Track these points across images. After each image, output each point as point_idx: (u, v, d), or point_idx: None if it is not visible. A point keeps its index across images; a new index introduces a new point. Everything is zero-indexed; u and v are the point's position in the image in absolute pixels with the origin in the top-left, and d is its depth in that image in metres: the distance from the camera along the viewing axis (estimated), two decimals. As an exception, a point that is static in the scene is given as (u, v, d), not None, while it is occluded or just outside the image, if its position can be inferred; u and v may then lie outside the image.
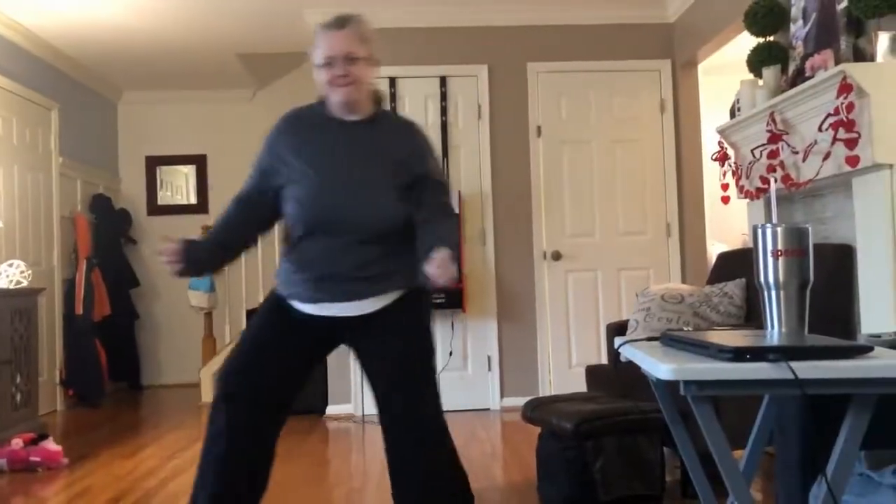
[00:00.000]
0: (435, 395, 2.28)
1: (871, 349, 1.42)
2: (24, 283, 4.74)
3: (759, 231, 1.64)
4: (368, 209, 2.21)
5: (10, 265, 4.70)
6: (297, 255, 2.26)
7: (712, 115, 5.64)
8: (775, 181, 3.22)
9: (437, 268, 2.04)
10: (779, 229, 1.62)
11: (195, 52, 6.27)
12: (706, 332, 1.65)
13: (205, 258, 2.32)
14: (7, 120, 5.43)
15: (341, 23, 2.21)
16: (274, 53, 6.42)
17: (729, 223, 6.03)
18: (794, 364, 1.33)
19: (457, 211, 5.24)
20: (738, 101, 3.91)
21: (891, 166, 2.87)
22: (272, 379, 2.23)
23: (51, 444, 4.06)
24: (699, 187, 5.49)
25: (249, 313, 5.64)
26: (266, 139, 2.33)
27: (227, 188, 7.47)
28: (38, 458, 3.97)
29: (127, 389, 7.02)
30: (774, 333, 1.62)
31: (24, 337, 4.65)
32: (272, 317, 2.30)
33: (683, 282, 5.39)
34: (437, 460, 2.29)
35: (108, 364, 6.45)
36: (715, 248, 5.79)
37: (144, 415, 5.80)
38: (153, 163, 7.45)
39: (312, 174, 2.21)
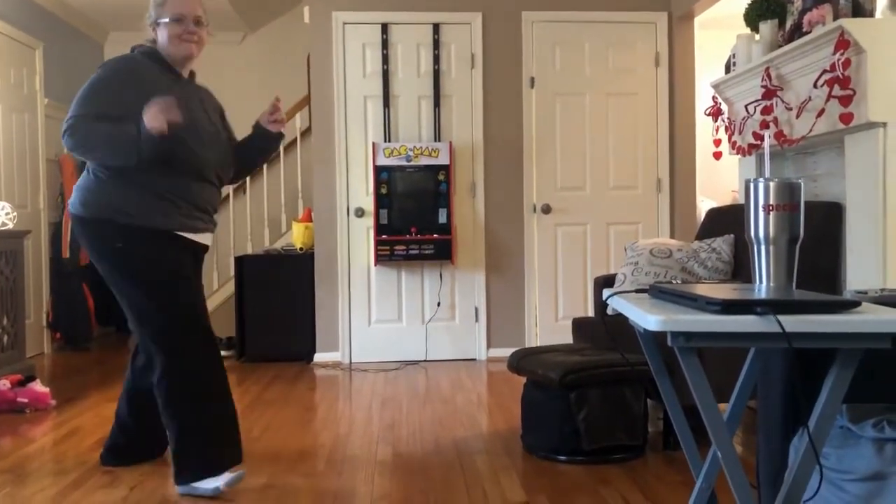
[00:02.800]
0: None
1: (858, 304, 1.42)
2: (10, 226, 4.70)
3: (752, 185, 1.64)
4: (228, 153, 2.84)
5: (-4, 207, 4.65)
6: (177, 191, 2.68)
7: (707, 70, 5.61)
8: (769, 137, 3.21)
9: (280, 120, 2.93)
10: (771, 184, 1.61)
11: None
12: (694, 285, 1.65)
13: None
14: (-10, 58, 5.33)
15: None
16: (264, -4, 6.31)
17: (719, 179, 6.03)
18: (781, 317, 1.34)
19: (447, 161, 5.21)
20: (733, 55, 3.87)
21: (884, 125, 2.86)
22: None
23: (38, 386, 4.07)
24: (691, 143, 5.48)
25: (238, 260, 5.62)
26: (113, 78, 2.65)
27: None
28: (25, 400, 3.98)
29: (115, 333, 7.03)
30: (763, 287, 1.63)
31: (11, 279, 4.63)
32: (180, 259, 2.79)
33: (672, 237, 5.41)
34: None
35: (95, 308, 6.44)
36: (704, 205, 5.80)
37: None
38: (141, 106, 7.34)
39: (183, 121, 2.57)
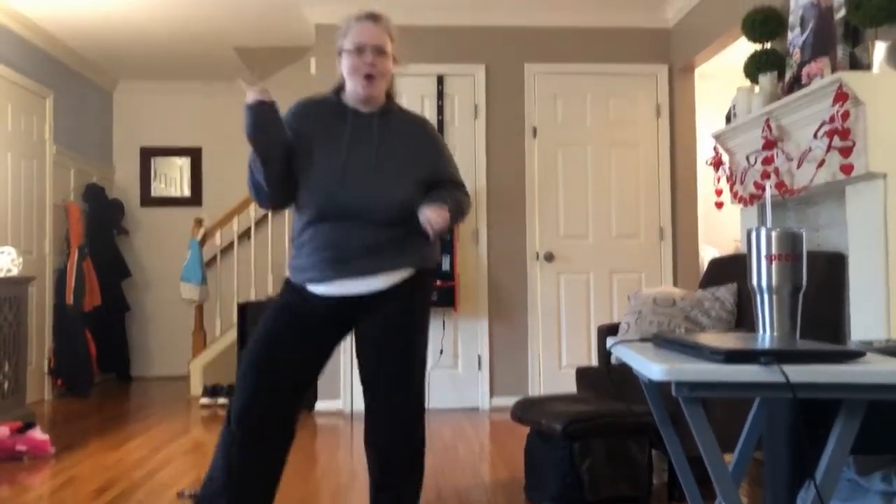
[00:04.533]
0: (424, 370, 2.39)
1: (862, 354, 1.42)
2: (15, 272, 4.71)
3: (754, 234, 1.65)
4: (385, 197, 2.27)
5: (2, 252, 4.67)
6: (308, 240, 2.31)
7: (708, 120, 5.68)
8: (770, 187, 3.23)
9: (431, 212, 2.20)
10: (773, 233, 1.62)
11: (193, 44, 6.26)
12: (698, 334, 1.65)
13: (277, 127, 2.29)
14: (2, 107, 5.41)
15: (374, 17, 2.32)
16: (272, 48, 6.41)
17: (721, 228, 6.06)
18: (785, 367, 1.34)
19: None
20: (734, 106, 3.92)
21: (884, 175, 2.88)
22: (293, 363, 2.29)
23: (38, 433, 4.04)
24: (693, 192, 5.51)
25: (241, 307, 5.62)
26: (286, 115, 2.37)
27: (221, 181, 7.49)
28: (24, 447, 3.95)
29: (115, 380, 7.00)
30: (766, 337, 1.63)
31: (14, 325, 4.63)
32: (289, 301, 2.36)
33: (675, 286, 5.41)
34: (416, 429, 2.37)
35: (97, 354, 6.43)
36: (707, 253, 5.82)
37: (132, 406, 5.78)
38: (148, 153, 7.42)
39: (326, 160, 2.27)
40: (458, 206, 2.35)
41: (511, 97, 5.49)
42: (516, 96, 5.50)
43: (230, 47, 6.36)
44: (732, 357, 1.37)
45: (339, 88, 2.38)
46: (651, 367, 1.38)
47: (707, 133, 5.74)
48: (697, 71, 5.52)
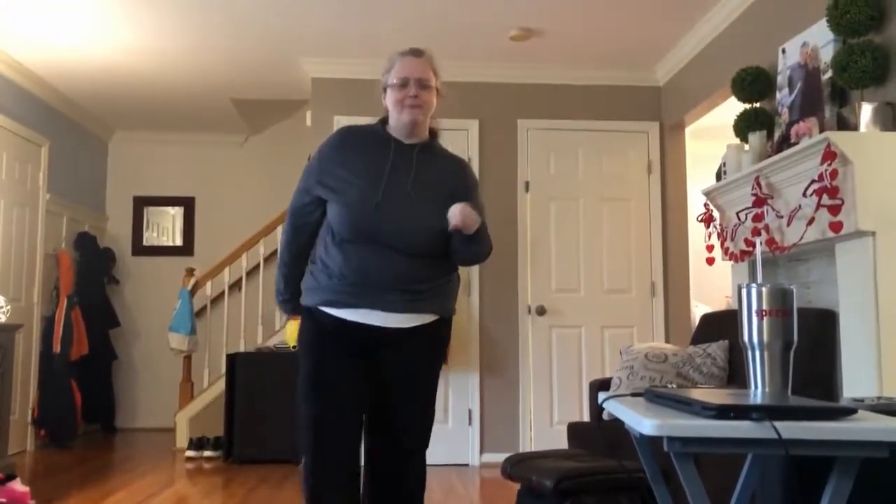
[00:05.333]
0: (433, 415, 2.47)
1: (854, 411, 1.41)
2: (2, 319, 4.68)
3: (745, 291, 1.65)
4: (418, 224, 2.30)
5: (-10, 300, 4.64)
6: (337, 260, 2.31)
7: (698, 177, 5.73)
8: (760, 244, 3.25)
9: (460, 212, 2.25)
10: (764, 289, 1.63)
11: (189, 95, 6.33)
12: (690, 390, 1.64)
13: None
14: (-4, 154, 5.43)
15: (419, 52, 2.42)
16: (268, 100, 6.49)
17: (712, 284, 6.08)
18: (777, 423, 1.33)
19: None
20: (724, 164, 3.97)
21: (873, 233, 2.90)
22: (355, 409, 2.34)
23: (18, 486, 3.96)
24: (684, 248, 5.54)
25: (230, 358, 5.57)
26: (317, 155, 2.42)
27: (213, 231, 7.49)
28: (3, 500, 3.86)
29: (100, 431, 6.89)
30: (758, 393, 1.62)
31: (-1, 373, 4.57)
32: (325, 349, 2.34)
33: (667, 341, 5.40)
34: (420, 477, 2.43)
35: (82, 404, 6.34)
36: (699, 310, 5.82)
37: (116, 458, 5.68)
38: (141, 203, 7.44)
39: (366, 182, 2.31)
40: (485, 228, 2.40)
41: (504, 152, 5.55)
42: (509, 151, 5.56)
43: (227, 99, 6.44)
44: (724, 412, 1.36)
45: (384, 121, 2.44)
46: (643, 421, 1.37)
47: (697, 189, 5.82)
48: (689, 129, 5.60)
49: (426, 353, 2.41)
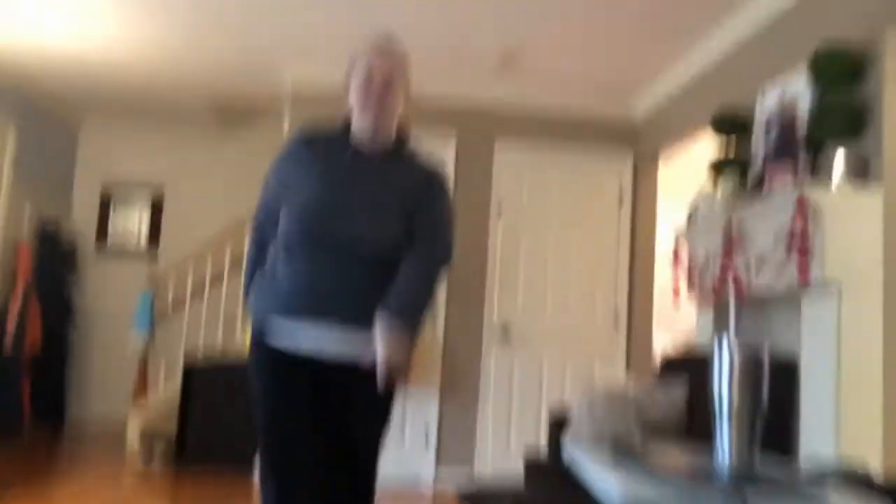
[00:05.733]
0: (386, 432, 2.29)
1: (824, 483, 1.42)
2: (-45, 310, 4.55)
3: (717, 352, 1.66)
4: (370, 228, 2.11)
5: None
6: (286, 268, 2.13)
7: (667, 207, 5.78)
8: (733, 300, 3.27)
9: (384, 348, 2.02)
10: (736, 355, 1.63)
11: (166, 89, 6.23)
12: (656, 448, 1.64)
13: None
14: (-39, 138, 5.30)
15: (388, 47, 2.20)
16: (246, 100, 6.42)
17: (674, 314, 6.12)
18: (747, 494, 1.33)
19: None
20: (695, 204, 4.00)
21: (839, 286, 2.94)
22: (329, 449, 2.11)
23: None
24: (650, 281, 5.57)
25: (187, 369, 5.47)
26: (275, 162, 2.25)
27: (181, 227, 7.36)
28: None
29: (49, 427, 6.73)
30: (725, 456, 1.62)
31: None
32: (285, 386, 2.11)
33: (628, 371, 5.43)
34: (370, 490, 2.22)
35: (31, 399, 6.18)
36: (660, 338, 5.86)
37: (64, 457, 5.54)
38: (108, 195, 7.30)
39: (318, 185, 2.13)
40: (421, 300, 2.16)
41: (480, 170, 5.54)
42: (485, 170, 5.55)
43: (204, 96, 6.36)
44: (693, 481, 1.36)
45: (347, 123, 2.22)
46: (611, 491, 1.36)
47: (666, 219, 5.87)
48: (661, 155, 5.62)
49: (383, 390, 2.15)
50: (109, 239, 7.27)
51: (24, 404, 6.02)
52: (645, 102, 5.47)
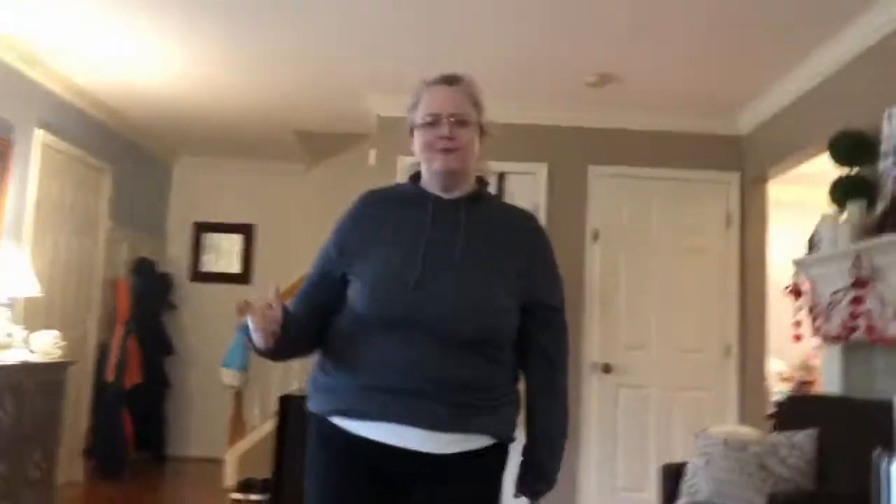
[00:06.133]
0: None
1: None
2: (57, 354, 4.60)
3: (883, 469, 1.39)
4: (470, 304, 1.70)
5: (44, 335, 4.57)
6: (356, 356, 1.73)
7: (778, 225, 5.39)
8: (859, 331, 2.93)
9: None
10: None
11: (253, 124, 6.23)
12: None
13: (291, 333, 1.73)
14: (59, 182, 5.40)
15: (452, 79, 1.85)
16: (331, 133, 6.38)
17: (788, 337, 5.69)
18: None
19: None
20: (817, 233, 3.66)
21: None
22: None
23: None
24: (762, 307, 5.18)
25: (282, 400, 5.41)
26: (338, 226, 1.88)
27: (272, 259, 7.36)
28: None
29: (150, 460, 6.82)
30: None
31: (49, 412, 4.49)
32: (336, 479, 1.76)
33: (741, 408, 5.05)
34: None
35: (133, 432, 6.28)
36: (774, 366, 5.46)
37: (166, 495, 5.58)
38: (201, 229, 7.39)
39: (395, 252, 1.76)
40: (564, 432, 1.84)
41: (573, 198, 5.29)
42: (578, 197, 5.30)
43: (290, 130, 6.34)
44: None
45: (416, 176, 1.89)
46: None
47: (779, 239, 5.47)
48: (770, 174, 5.24)
49: (479, 490, 1.78)
50: (203, 273, 7.35)
51: (127, 440, 6.10)
52: (751, 119, 5.10)
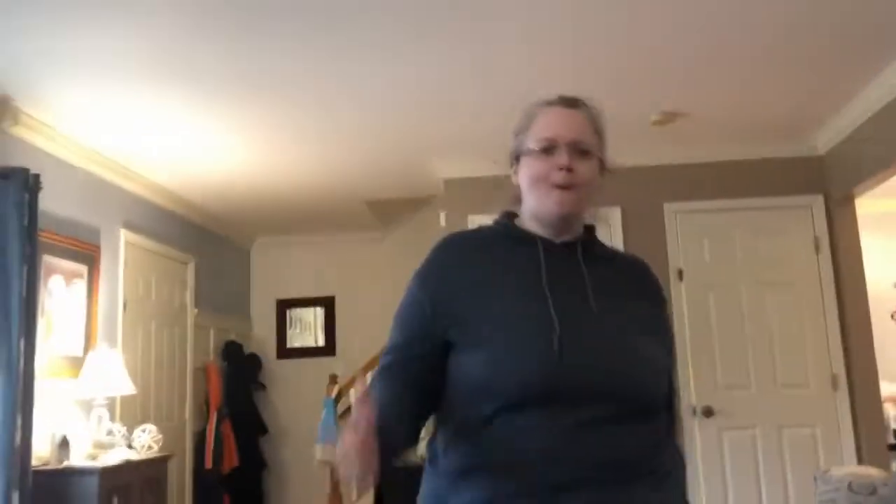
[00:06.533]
0: None
1: None
2: (155, 448, 4.68)
3: None
4: (634, 359, 1.37)
5: (143, 431, 4.66)
6: (488, 449, 1.32)
7: (869, 240, 5.14)
8: None
9: None
10: None
11: (324, 199, 6.33)
12: None
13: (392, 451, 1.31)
14: (146, 278, 5.56)
15: (573, 102, 1.52)
16: (400, 199, 6.43)
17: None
18: None
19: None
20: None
21: None
22: None
23: None
24: (867, 332, 4.91)
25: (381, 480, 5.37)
26: (422, 278, 1.49)
27: (354, 329, 7.39)
28: None
29: (254, 542, 6.85)
30: None
31: (153, 505, 4.55)
32: None
33: (857, 440, 4.77)
34: None
35: (235, 516, 6.32)
36: (887, 390, 5.14)
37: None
38: (283, 305, 7.51)
39: (516, 305, 1.38)
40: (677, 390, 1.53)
41: (651, 239, 5.16)
42: (657, 238, 5.16)
43: (361, 201, 6.43)
44: None
45: (510, 214, 1.55)
46: None
47: (871, 256, 5.19)
48: (857, 192, 5.01)
49: None
50: (289, 349, 7.44)
51: (229, 525, 6.14)
52: (829, 138, 4.91)
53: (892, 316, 3.63)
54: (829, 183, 5.04)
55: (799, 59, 3.94)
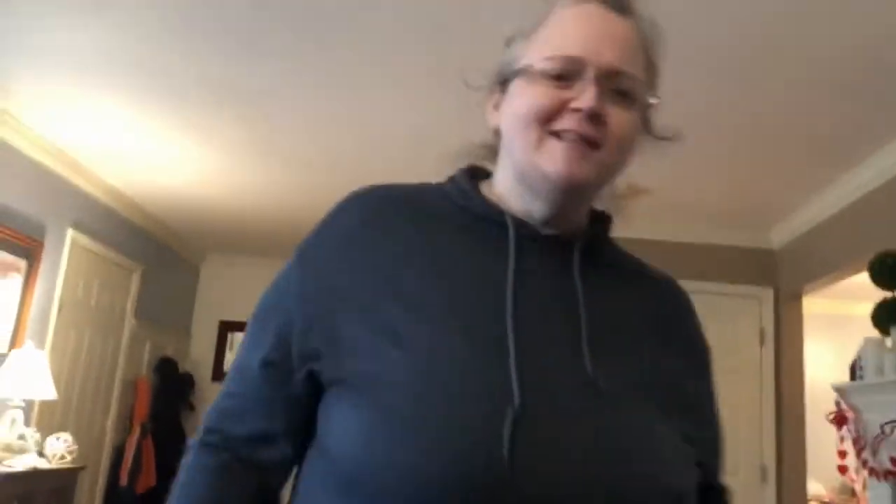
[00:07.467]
0: None
1: None
2: (68, 458, 4.48)
3: None
4: (648, 476, 0.79)
5: (58, 439, 4.47)
6: None
7: (812, 340, 5.22)
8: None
9: None
10: None
11: (284, 223, 6.23)
12: None
13: None
14: (88, 282, 5.40)
15: (619, 4, 0.88)
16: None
17: (825, 456, 5.43)
18: None
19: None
20: (860, 358, 3.50)
21: None
22: None
23: None
24: (800, 428, 4.96)
25: None
26: (291, 265, 0.96)
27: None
28: None
29: (159, 568, 6.58)
30: None
31: (57, 520, 4.35)
32: None
33: (779, 536, 4.77)
34: None
35: (144, 539, 6.07)
36: (812, 488, 5.18)
37: None
38: (226, 327, 7.35)
39: (449, 336, 0.80)
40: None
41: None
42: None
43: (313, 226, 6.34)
44: None
45: (474, 172, 0.97)
46: None
47: (811, 353, 5.27)
48: (805, 291, 5.10)
49: None
50: (226, 373, 7.25)
51: (135, 548, 5.89)
52: (784, 232, 5.01)
53: (826, 417, 3.65)
54: (780, 278, 5.13)
55: (764, 158, 4.04)
